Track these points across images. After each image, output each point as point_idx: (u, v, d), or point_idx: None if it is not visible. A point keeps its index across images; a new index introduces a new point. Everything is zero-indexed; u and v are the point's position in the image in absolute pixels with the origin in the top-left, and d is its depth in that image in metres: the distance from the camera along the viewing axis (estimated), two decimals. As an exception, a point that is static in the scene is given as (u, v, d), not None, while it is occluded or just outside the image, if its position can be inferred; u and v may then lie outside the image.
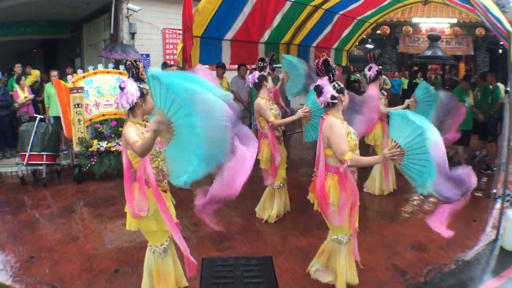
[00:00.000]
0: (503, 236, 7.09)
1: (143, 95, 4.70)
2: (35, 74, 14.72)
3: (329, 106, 5.20)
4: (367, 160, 4.92)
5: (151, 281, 5.23)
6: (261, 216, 8.14)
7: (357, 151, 5.14)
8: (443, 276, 6.14)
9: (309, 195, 5.68)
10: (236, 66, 13.78)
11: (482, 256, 6.77)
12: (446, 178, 4.54)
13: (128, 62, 4.79)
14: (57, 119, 12.40)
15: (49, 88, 12.97)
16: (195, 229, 7.64)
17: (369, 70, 9.11)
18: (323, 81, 5.16)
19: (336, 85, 5.14)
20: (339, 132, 4.97)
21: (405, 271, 6.16)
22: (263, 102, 7.45)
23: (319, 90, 5.17)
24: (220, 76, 12.91)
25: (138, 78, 4.71)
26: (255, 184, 8.88)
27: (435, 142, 4.31)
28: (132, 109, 4.72)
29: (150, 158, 4.76)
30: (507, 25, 6.74)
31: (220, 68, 12.85)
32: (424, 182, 4.39)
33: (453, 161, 11.11)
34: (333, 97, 5.08)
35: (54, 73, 12.84)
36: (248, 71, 11.02)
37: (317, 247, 6.76)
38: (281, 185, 7.97)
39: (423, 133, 4.29)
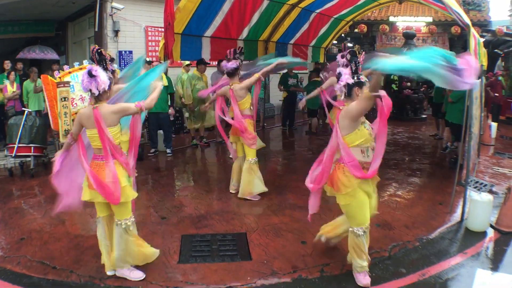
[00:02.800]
0: (468, 217, 7.40)
1: (110, 84, 5.22)
2: None
3: (346, 96, 5.22)
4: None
5: (134, 255, 5.62)
6: (247, 196, 8.63)
7: (373, 143, 5.29)
8: (407, 251, 6.45)
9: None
10: (216, 62, 14.19)
11: (446, 235, 7.09)
12: None
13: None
14: (36, 113, 12.77)
15: (27, 85, 13.38)
16: (176, 211, 8.07)
17: (342, 57, 9.52)
18: (345, 70, 5.21)
19: (356, 78, 5.16)
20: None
21: (370, 246, 6.21)
22: (239, 87, 8.38)
23: (338, 77, 5.24)
24: (202, 72, 13.31)
25: (105, 68, 5.28)
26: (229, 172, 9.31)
27: None
28: (99, 95, 5.14)
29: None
30: (466, 19, 7.25)
31: (202, 64, 13.22)
32: None
33: (455, 157, 11.57)
34: (348, 87, 5.15)
35: (34, 69, 13.38)
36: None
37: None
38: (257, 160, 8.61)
39: None
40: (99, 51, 5.30)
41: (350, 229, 5.44)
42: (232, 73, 8.44)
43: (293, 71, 16.73)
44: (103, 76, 5.07)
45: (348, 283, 5.48)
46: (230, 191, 9.08)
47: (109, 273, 5.71)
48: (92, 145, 5.34)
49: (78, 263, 6.06)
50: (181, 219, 7.69)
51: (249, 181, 8.60)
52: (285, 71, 16.30)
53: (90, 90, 5.07)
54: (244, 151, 8.75)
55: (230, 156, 9.86)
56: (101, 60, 5.25)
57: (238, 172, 8.90)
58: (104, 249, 5.70)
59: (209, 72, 14.11)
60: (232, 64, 8.33)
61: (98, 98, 5.16)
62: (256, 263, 6.07)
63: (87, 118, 5.17)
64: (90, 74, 4.99)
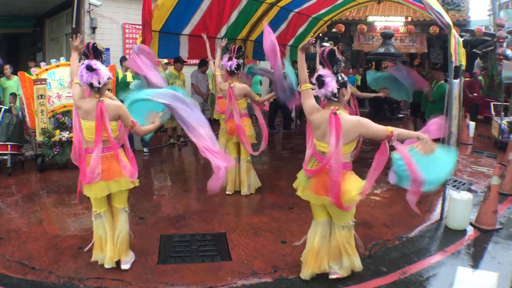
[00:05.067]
0: (447, 215, 7.51)
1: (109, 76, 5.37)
2: None
3: (330, 99, 4.91)
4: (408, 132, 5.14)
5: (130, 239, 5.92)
6: (244, 191, 8.85)
7: None
8: (387, 250, 6.50)
9: (315, 197, 5.19)
10: (196, 61, 14.18)
11: (426, 233, 7.19)
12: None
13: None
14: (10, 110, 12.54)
15: (3, 82, 13.32)
16: (154, 211, 8.02)
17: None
18: (326, 72, 4.81)
19: (340, 78, 4.84)
20: (368, 121, 4.88)
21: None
22: (244, 85, 8.55)
23: (320, 81, 4.79)
24: (179, 70, 13.29)
25: (102, 62, 5.34)
26: (211, 171, 9.22)
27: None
28: (100, 88, 5.29)
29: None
30: (447, 18, 7.27)
31: (179, 63, 13.19)
32: None
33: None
34: (334, 91, 4.78)
35: (7, 66, 13.28)
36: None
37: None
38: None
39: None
40: (94, 45, 5.32)
41: (345, 224, 5.29)
42: (233, 72, 8.52)
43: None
44: (103, 69, 5.23)
45: (330, 282, 5.45)
46: (227, 192, 8.97)
47: (108, 266, 5.75)
48: (87, 138, 5.46)
49: (57, 263, 5.99)
50: (159, 219, 7.64)
51: (254, 176, 8.96)
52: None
53: (91, 84, 5.21)
54: (236, 151, 8.90)
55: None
56: (97, 54, 5.31)
57: (232, 172, 8.86)
58: (110, 241, 5.74)
59: (186, 70, 14.03)
60: (233, 63, 8.43)
61: (99, 91, 5.32)
62: (236, 263, 6.05)
63: (89, 110, 5.29)
64: (91, 68, 5.12)
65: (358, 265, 5.52)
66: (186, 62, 13.72)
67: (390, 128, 4.79)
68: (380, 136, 4.86)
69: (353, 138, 4.87)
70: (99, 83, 5.20)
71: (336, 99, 4.88)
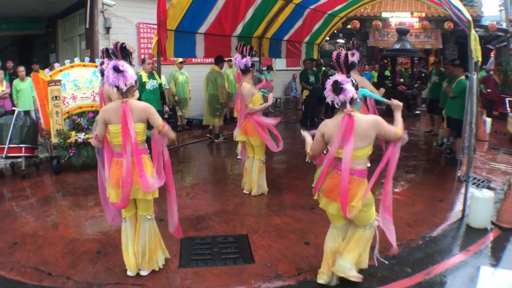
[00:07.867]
0: (469, 214, 7.41)
1: (136, 79, 5.20)
2: None
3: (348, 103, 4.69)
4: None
5: (153, 246, 5.77)
6: (254, 192, 8.79)
7: None
8: (411, 250, 6.41)
9: (325, 202, 5.19)
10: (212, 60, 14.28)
11: (448, 232, 7.09)
12: None
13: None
14: (26, 113, 12.47)
15: (17, 84, 13.16)
16: (174, 212, 7.88)
17: (352, 56, 9.17)
18: (343, 78, 4.64)
19: (354, 82, 4.76)
20: (383, 121, 4.83)
21: (374, 246, 6.37)
22: (248, 87, 8.21)
23: (339, 88, 4.61)
24: (221, 68, 13.86)
25: (130, 63, 5.15)
26: (230, 171, 9.13)
27: None
28: (126, 91, 5.12)
29: None
30: (467, 15, 7.13)
31: (220, 62, 13.74)
32: None
33: (449, 151, 12.07)
34: (354, 97, 4.66)
35: (21, 68, 13.21)
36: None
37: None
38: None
39: None
40: (123, 46, 5.15)
41: (369, 225, 5.20)
42: (244, 70, 8.39)
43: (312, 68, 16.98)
44: (130, 71, 5.07)
45: (355, 284, 5.34)
46: (244, 191, 8.99)
47: (130, 274, 5.63)
48: (114, 142, 5.31)
49: (74, 268, 5.88)
50: (179, 221, 7.42)
51: (263, 179, 8.81)
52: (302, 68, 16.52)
53: (117, 86, 5.06)
54: (252, 150, 8.72)
55: (238, 157, 9.82)
56: (125, 55, 5.13)
57: (250, 172, 8.83)
58: (131, 248, 5.62)
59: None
60: (240, 61, 8.32)
61: (125, 93, 5.16)
62: (259, 265, 5.94)
63: (114, 113, 5.18)
64: (117, 70, 4.97)
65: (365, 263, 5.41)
66: (225, 60, 13.86)
67: (399, 131, 4.82)
68: (391, 137, 4.87)
69: (372, 138, 4.77)
70: (125, 85, 5.04)
71: (352, 103, 4.74)
